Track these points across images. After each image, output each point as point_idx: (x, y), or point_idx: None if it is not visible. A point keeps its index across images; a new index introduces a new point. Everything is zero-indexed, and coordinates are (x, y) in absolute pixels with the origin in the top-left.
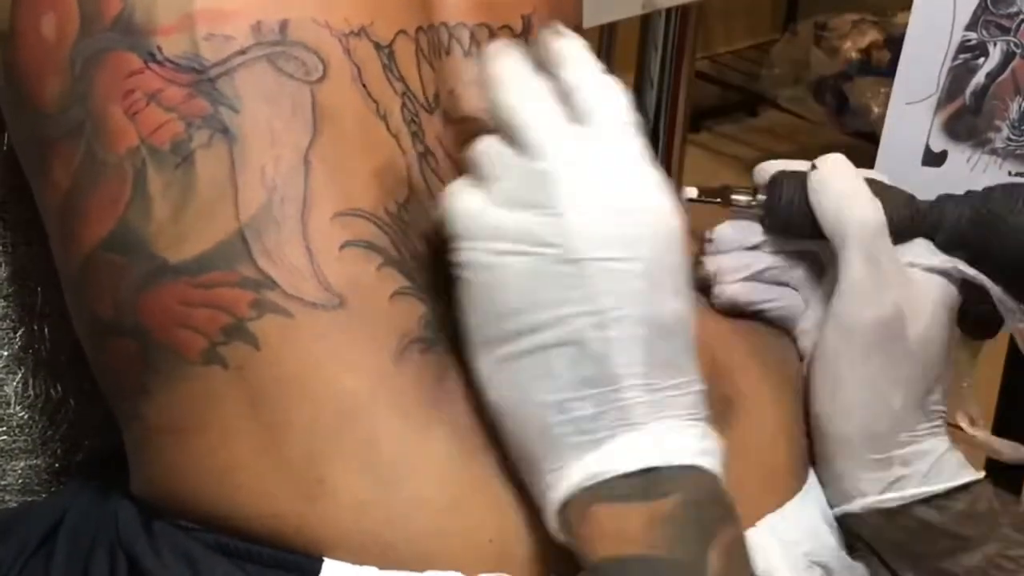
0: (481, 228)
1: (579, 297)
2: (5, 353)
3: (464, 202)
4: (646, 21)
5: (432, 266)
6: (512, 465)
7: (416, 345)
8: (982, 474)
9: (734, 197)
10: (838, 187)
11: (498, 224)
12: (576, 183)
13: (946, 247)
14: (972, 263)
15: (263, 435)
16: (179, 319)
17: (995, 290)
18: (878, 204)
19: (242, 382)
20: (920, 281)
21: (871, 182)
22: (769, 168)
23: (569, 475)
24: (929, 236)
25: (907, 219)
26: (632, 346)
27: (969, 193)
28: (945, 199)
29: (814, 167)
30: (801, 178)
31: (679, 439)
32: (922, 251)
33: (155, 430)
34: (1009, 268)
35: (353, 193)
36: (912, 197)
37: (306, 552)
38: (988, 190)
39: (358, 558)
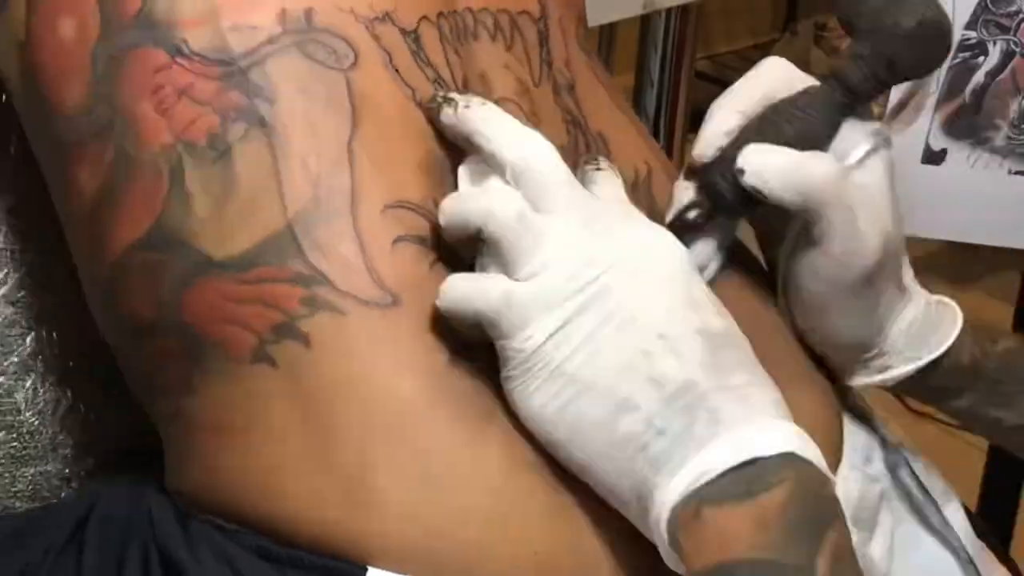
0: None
1: (636, 326)
2: (15, 359)
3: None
4: (646, 21)
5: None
6: (556, 477)
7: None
8: (959, 325)
9: (693, 218)
10: (775, 166)
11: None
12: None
13: (864, 111)
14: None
15: (311, 438)
16: (227, 316)
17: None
18: (819, 154)
19: (291, 382)
20: (871, 168)
21: (769, 128)
22: (685, 185)
23: (675, 485)
24: (850, 112)
25: (827, 124)
26: (695, 354)
27: (849, 47)
28: (832, 76)
29: (739, 167)
30: (728, 161)
31: (774, 430)
32: (853, 136)
33: (199, 428)
34: (921, 70)
35: (401, 184)
36: (811, 106)
37: (348, 559)
38: (864, 35)
39: (402, 567)
